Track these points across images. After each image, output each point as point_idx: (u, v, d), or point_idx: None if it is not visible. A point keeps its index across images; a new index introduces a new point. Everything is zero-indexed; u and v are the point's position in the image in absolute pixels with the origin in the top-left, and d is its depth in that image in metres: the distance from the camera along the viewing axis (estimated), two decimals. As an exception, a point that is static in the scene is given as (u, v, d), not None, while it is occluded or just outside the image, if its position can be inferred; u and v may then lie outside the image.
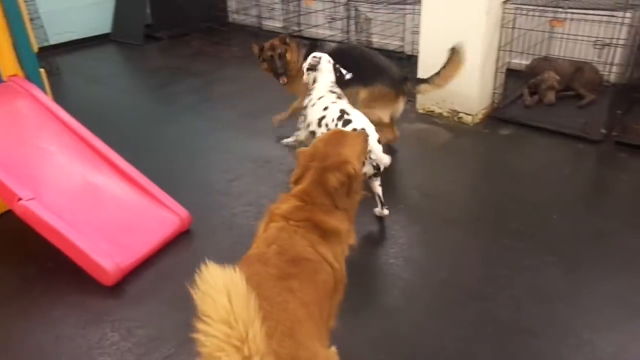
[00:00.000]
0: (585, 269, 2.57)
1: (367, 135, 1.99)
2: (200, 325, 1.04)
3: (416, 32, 4.86)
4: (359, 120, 2.89)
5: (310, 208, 1.64)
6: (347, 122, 2.87)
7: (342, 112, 2.93)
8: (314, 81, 3.20)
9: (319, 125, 3.01)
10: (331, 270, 1.60)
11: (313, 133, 3.08)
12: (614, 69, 3.95)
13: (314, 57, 3.23)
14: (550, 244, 2.75)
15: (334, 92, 3.11)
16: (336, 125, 2.89)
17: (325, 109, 3.02)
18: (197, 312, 1.06)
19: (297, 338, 1.29)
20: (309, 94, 3.18)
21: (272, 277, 1.42)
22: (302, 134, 3.46)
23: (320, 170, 1.70)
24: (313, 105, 3.10)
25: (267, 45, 3.72)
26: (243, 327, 1.03)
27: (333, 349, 2.00)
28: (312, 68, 3.20)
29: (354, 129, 2.81)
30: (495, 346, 2.15)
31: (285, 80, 3.78)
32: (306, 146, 3.07)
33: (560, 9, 4.26)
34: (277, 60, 3.69)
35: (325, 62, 3.20)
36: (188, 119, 4.52)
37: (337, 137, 1.82)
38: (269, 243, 1.55)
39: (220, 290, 1.04)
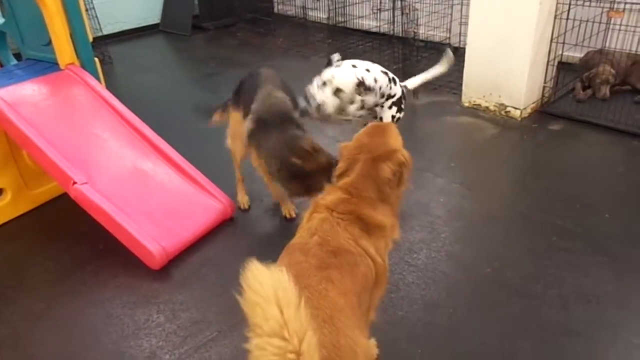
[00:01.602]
0: (636, 271, 2.47)
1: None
2: (252, 337, 1.00)
3: (464, 23, 4.76)
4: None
5: (356, 201, 1.63)
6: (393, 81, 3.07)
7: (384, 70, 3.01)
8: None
9: (360, 86, 2.77)
10: (372, 264, 1.59)
11: (361, 85, 2.78)
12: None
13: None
14: (600, 244, 2.65)
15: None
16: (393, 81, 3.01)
17: (354, 66, 2.88)
18: (248, 322, 1.01)
19: (338, 326, 1.30)
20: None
21: (312, 267, 1.44)
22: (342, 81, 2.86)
23: (371, 160, 1.68)
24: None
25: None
26: (297, 339, 1.00)
27: (372, 340, 2.02)
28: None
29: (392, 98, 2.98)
30: (538, 346, 2.10)
31: None
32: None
33: (618, -1, 4.06)
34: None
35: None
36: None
37: (379, 129, 1.81)
38: (311, 233, 1.57)
39: (270, 300, 0.99)
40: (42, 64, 3.29)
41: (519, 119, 4.05)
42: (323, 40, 6.18)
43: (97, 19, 6.08)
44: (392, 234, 1.71)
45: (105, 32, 6.33)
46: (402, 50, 5.24)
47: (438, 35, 5.55)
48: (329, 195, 1.67)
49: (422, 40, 5.49)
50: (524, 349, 2.10)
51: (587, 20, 4.02)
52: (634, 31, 4.04)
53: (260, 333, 0.99)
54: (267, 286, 1.01)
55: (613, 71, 4.18)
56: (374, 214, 1.63)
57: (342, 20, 6.17)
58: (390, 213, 1.70)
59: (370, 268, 1.57)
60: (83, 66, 3.22)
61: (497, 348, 2.11)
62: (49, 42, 3.12)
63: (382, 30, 5.95)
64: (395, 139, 1.78)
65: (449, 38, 5.51)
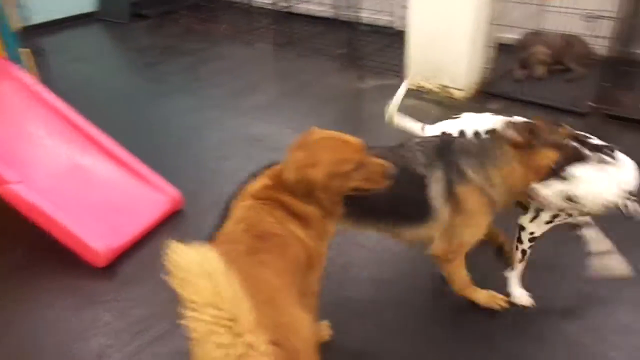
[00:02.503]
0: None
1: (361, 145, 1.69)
2: (186, 312, 1.02)
3: (407, 7, 4.81)
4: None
5: (278, 188, 1.63)
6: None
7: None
8: None
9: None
10: (303, 245, 1.59)
11: None
12: (603, 42, 3.92)
13: None
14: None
15: None
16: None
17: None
18: (180, 299, 1.03)
19: (277, 305, 1.32)
20: None
21: (241, 254, 1.43)
22: None
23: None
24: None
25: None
26: (230, 305, 1.03)
27: (324, 322, 2.05)
28: None
29: None
30: (484, 317, 2.19)
31: None
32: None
33: (551, -19, 4.21)
34: None
35: None
36: (178, 98, 4.48)
37: (330, 139, 1.69)
38: (237, 222, 1.56)
39: (199, 274, 1.02)
40: (-35, 58, 3.10)
41: (462, 99, 4.15)
42: (268, 27, 6.09)
43: (26, 8, 5.74)
44: (323, 225, 1.67)
45: (35, 22, 5.99)
46: (346, 35, 5.25)
47: (382, 19, 5.59)
48: (256, 183, 1.67)
49: (366, 24, 5.51)
50: (471, 321, 2.18)
51: (523, 3, 4.14)
52: (567, 12, 4.20)
53: (194, 307, 1.02)
54: (192, 262, 1.04)
55: (547, 51, 4.34)
56: (295, 202, 1.61)
57: (287, 5, 6.11)
58: (315, 206, 1.64)
59: (301, 249, 1.57)
60: (9, 58, 3.04)
61: (445, 323, 2.18)
62: (-29, 34, 2.94)
63: (326, 15, 5.93)
64: (330, 154, 1.62)
65: (392, 21, 5.56)
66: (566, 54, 4.38)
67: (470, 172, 1.89)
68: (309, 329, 1.35)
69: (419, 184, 1.90)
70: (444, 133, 2.17)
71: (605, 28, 3.75)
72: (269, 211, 1.57)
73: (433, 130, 2.41)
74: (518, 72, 4.39)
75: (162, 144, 3.72)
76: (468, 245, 2.01)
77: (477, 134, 2.14)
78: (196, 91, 4.61)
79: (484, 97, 4.18)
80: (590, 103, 3.78)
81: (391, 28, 5.57)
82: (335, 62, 4.96)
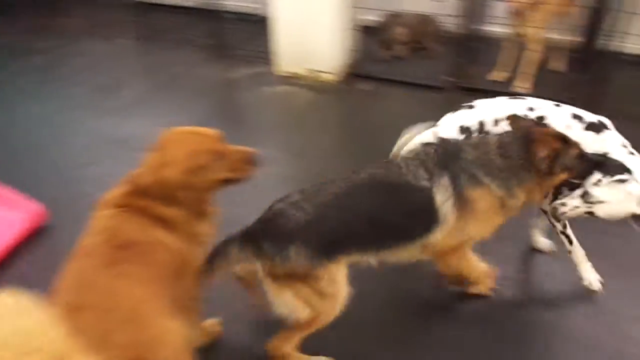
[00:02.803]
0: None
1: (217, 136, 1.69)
2: None
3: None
4: None
5: (138, 194, 1.57)
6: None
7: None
8: None
9: None
10: (170, 251, 1.54)
11: None
12: (454, 20, 4.24)
13: None
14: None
15: None
16: None
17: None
18: None
19: (142, 318, 1.28)
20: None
21: (99, 267, 1.38)
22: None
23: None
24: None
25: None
26: (41, 337, 0.97)
27: (212, 320, 2.01)
28: None
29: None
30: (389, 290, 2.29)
31: None
32: None
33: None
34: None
35: None
36: (31, 102, 4.07)
37: (182, 134, 1.65)
38: (97, 233, 1.49)
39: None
40: None
41: (332, 82, 4.26)
42: (129, 19, 5.73)
43: None
44: (192, 227, 1.63)
45: None
46: (212, 24, 5.11)
47: (247, 7, 5.52)
48: (115, 190, 1.60)
49: (231, 12, 5.41)
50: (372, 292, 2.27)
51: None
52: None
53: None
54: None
55: (406, 32, 4.60)
56: (156, 206, 1.56)
57: (145, -8, 5.78)
58: (179, 207, 1.60)
59: (168, 255, 1.53)
60: None
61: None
62: None
63: (190, 5, 5.72)
64: (186, 151, 1.59)
65: (258, 8, 5.51)
66: (422, 34, 4.67)
67: (489, 182, 1.89)
68: (179, 337, 1.32)
69: (425, 197, 1.87)
70: (442, 140, 2.09)
71: (454, 6, 4.05)
72: (129, 218, 1.50)
73: (444, 128, 2.22)
74: (382, 53, 4.60)
75: (16, 153, 3.37)
76: (472, 241, 2.02)
77: (497, 122, 2.15)
78: (52, 92, 4.23)
79: (354, 79, 4.33)
80: (446, 78, 4.08)
81: (257, 15, 5.53)
82: (203, 53, 4.82)
